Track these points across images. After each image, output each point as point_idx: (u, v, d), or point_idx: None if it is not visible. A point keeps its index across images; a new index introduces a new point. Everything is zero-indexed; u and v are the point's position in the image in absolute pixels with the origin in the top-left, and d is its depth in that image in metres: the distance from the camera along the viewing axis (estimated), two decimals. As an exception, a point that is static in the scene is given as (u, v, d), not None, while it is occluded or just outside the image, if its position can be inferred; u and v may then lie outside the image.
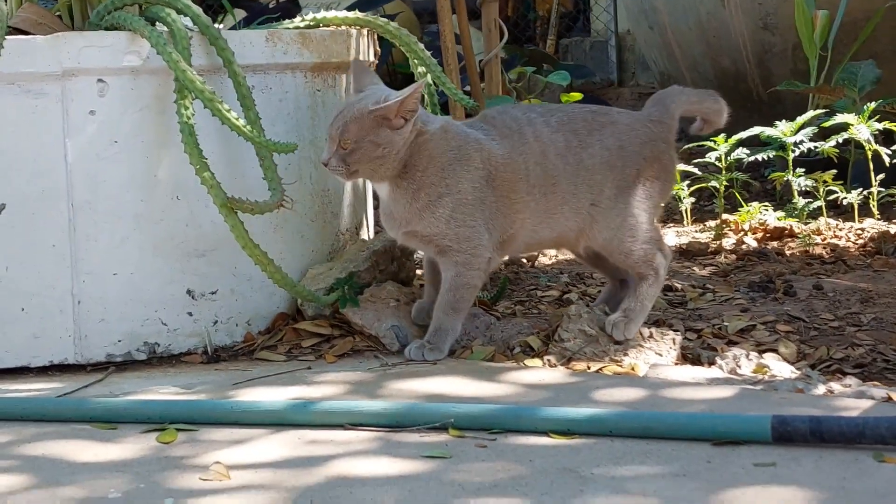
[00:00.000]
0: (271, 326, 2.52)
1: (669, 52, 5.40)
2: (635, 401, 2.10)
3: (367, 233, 2.77)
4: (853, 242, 3.62)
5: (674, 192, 3.83)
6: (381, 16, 5.10)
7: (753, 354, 2.39)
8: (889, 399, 2.12)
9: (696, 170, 3.95)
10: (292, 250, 2.54)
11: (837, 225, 3.79)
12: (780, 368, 2.33)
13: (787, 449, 1.82)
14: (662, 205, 2.59)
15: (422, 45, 2.62)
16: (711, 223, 3.91)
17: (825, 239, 3.64)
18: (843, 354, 2.54)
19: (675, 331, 2.67)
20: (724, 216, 3.88)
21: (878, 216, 3.86)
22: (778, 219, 3.76)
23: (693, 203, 4.05)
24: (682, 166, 3.93)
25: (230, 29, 2.76)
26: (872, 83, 4.29)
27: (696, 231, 3.94)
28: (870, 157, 3.84)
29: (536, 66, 4.98)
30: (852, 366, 2.47)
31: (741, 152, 3.96)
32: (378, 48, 2.79)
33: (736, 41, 5.04)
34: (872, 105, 3.88)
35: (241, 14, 5.53)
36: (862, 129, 3.81)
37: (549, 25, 6.65)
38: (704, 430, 1.87)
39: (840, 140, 3.87)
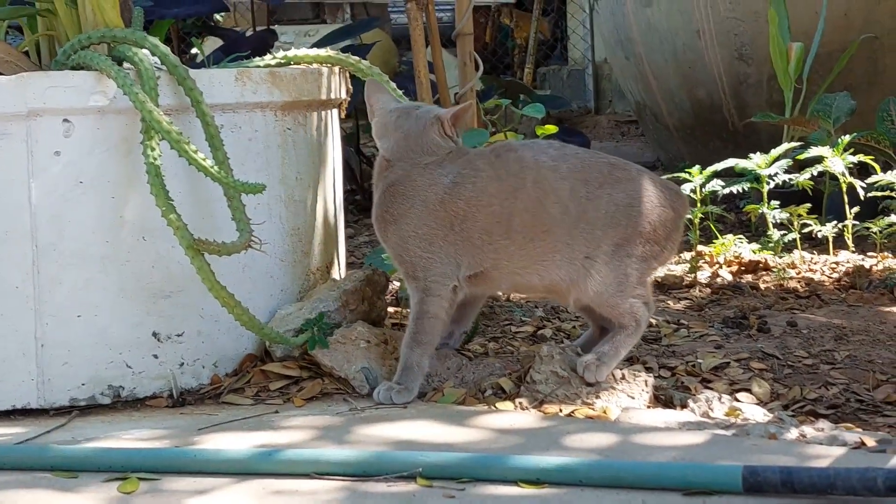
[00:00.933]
0: (239, 368, 2.49)
1: (645, 83, 5.42)
2: (606, 447, 2.07)
3: (339, 272, 2.75)
4: (828, 276, 3.61)
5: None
6: (359, 45, 5.11)
7: (726, 397, 2.37)
8: (862, 444, 2.10)
9: (671, 202, 3.94)
10: (261, 290, 2.51)
11: (812, 258, 3.79)
12: (752, 412, 2.31)
13: (758, 499, 1.80)
14: (658, 267, 2.53)
15: (393, 84, 2.60)
16: (687, 255, 3.90)
17: (800, 272, 3.63)
18: (817, 395, 2.53)
19: (648, 371, 2.65)
20: (700, 248, 3.87)
21: (854, 249, 3.86)
22: (753, 251, 3.75)
23: (668, 235, 4.04)
24: (657, 199, 3.93)
25: (198, 62, 2.75)
26: (847, 115, 4.30)
27: (672, 263, 3.93)
28: (844, 189, 3.84)
29: (513, 96, 4.97)
30: (826, 406, 2.46)
31: (716, 184, 3.96)
32: (350, 86, 2.77)
33: (711, 72, 5.06)
34: (847, 138, 3.88)
35: (217, 42, 5.51)
36: (836, 162, 3.81)
37: (526, 54, 6.65)
38: (675, 479, 1.85)
39: (815, 172, 3.87)
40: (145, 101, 2.23)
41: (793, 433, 2.15)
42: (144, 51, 2.33)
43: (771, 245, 3.75)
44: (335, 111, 2.72)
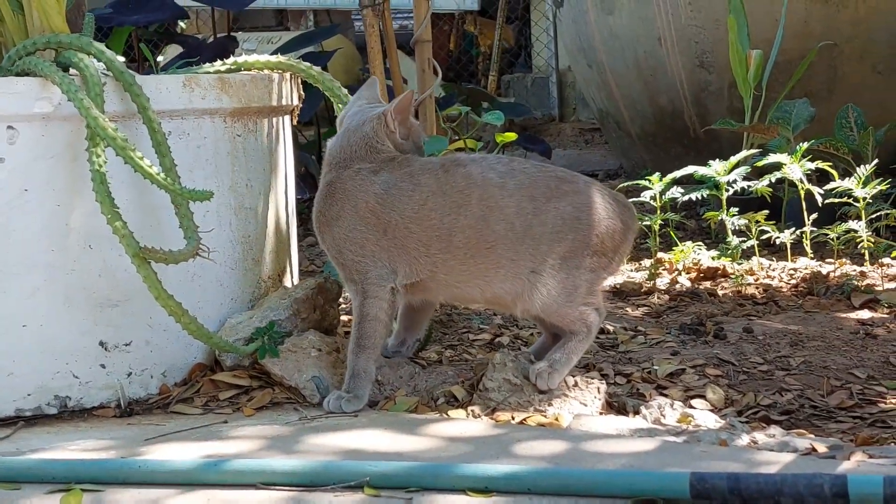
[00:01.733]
0: (188, 378, 2.46)
1: (608, 90, 5.42)
2: (557, 454, 2.06)
3: (291, 279, 2.72)
4: (786, 282, 3.62)
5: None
6: (320, 52, 5.09)
7: (678, 404, 2.37)
8: (813, 450, 2.10)
9: (630, 209, 3.94)
10: (211, 299, 2.48)
11: (771, 265, 3.79)
12: (704, 418, 2.31)
13: (706, 506, 1.79)
14: (607, 277, 2.52)
15: (345, 91, 2.58)
16: (647, 262, 3.90)
17: (758, 279, 3.64)
18: (771, 400, 2.52)
19: (603, 378, 2.65)
20: (660, 255, 3.87)
21: (812, 255, 3.87)
22: (712, 258, 3.76)
23: (628, 242, 4.04)
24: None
25: (163, 66, 2.72)
26: (807, 122, 4.32)
27: (631, 270, 3.93)
28: (803, 196, 3.85)
29: (475, 104, 4.97)
30: (779, 412, 2.46)
31: (676, 191, 3.96)
32: (302, 92, 2.75)
33: (673, 79, 5.06)
34: (805, 145, 3.89)
35: (178, 49, 5.48)
36: (794, 169, 3.82)
37: (490, 62, 6.65)
38: (623, 487, 1.84)
39: (773, 179, 3.88)
40: (90, 107, 2.20)
41: (744, 439, 2.15)
42: (90, 57, 2.30)
43: (730, 252, 3.75)
44: (287, 118, 2.70)
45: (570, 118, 6.95)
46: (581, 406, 2.35)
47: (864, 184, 3.70)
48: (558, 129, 6.81)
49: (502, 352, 2.44)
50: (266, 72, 2.59)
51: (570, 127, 6.79)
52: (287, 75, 2.64)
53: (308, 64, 2.60)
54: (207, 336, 2.34)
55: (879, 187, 3.71)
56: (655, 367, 2.71)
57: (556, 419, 2.29)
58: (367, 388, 2.34)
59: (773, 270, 3.73)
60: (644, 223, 3.97)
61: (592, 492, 1.85)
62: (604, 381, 2.47)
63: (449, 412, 2.33)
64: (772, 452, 2.07)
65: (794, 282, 3.59)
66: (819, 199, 3.80)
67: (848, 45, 4.74)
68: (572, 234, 2.34)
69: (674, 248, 3.85)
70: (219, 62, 2.58)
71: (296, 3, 7.23)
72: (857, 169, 3.77)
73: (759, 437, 2.17)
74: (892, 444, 2.20)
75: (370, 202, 2.32)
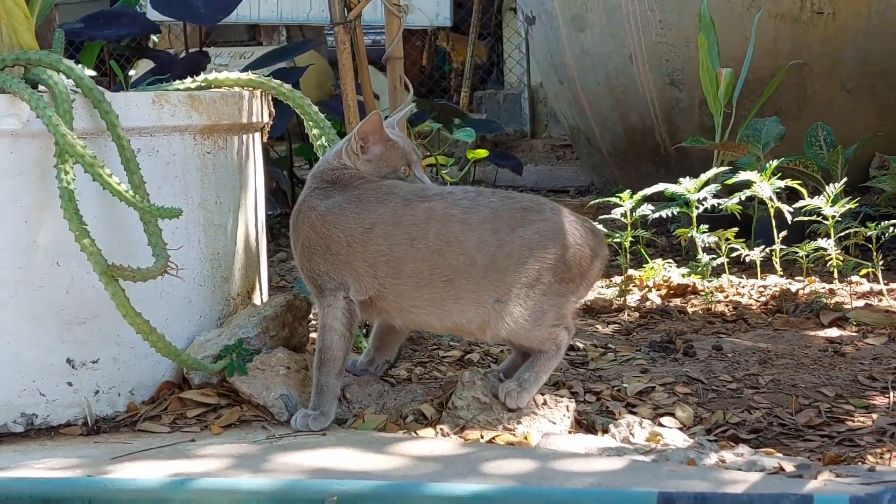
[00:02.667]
0: (156, 396, 2.45)
1: (579, 107, 5.44)
2: (525, 473, 2.06)
3: (261, 297, 2.72)
4: (755, 300, 3.63)
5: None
6: (292, 68, 5.09)
7: (647, 422, 2.37)
8: (780, 469, 2.10)
9: (601, 226, 3.95)
10: (179, 316, 2.47)
11: (740, 282, 3.81)
12: (672, 437, 2.31)
13: (673, 526, 1.79)
14: (576, 302, 2.49)
15: (315, 108, 2.58)
16: (617, 279, 3.91)
17: (728, 296, 3.65)
18: (740, 419, 2.53)
19: (573, 396, 2.65)
20: (630, 272, 3.88)
21: (781, 273, 3.88)
22: (682, 275, 3.77)
23: (599, 259, 4.05)
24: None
25: (134, 82, 2.71)
26: (776, 140, 4.34)
27: (602, 287, 3.93)
28: (772, 214, 3.87)
29: (447, 120, 4.98)
30: (748, 431, 2.46)
31: (646, 208, 3.97)
32: (273, 109, 2.74)
33: (644, 97, 5.08)
34: (775, 163, 3.92)
35: (150, 64, 5.46)
36: (764, 187, 3.84)
37: (463, 78, 6.66)
38: (590, 506, 1.84)
39: (743, 197, 3.90)
40: (59, 124, 2.19)
41: (712, 458, 2.15)
42: (59, 74, 2.29)
43: (700, 269, 3.76)
44: (257, 135, 2.70)
45: (542, 134, 6.97)
46: (550, 424, 2.35)
47: (834, 202, 3.73)
48: (530, 145, 6.83)
49: (471, 370, 2.44)
50: (236, 89, 2.58)
51: (541, 143, 6.81)
52: (257, 92, 2.64)
53: (278, 81, 2.59)
54: (175, 353, 2.33)
55: (848, 205, 3.73)
56: (625, 385, 2.72)
57: (525, 438, 2.28)
58: (333, 405, 2.34)
59: (743, 288, 3.75)
60: (615, 240, 3.98)
61: (560, 511, 1.85)
62: (573, 400, 2.47)
63: (417, 430, 2.33)
64: (739, 472, 2.07)
65: (763, 299, 3.61)
66: (789, 217, 3.82)
67: (817, 63, 4.77)
68: (538, 263, 2.34)
69: (644, 265, 3.86)
70: (189, 79, 2.57)
71: (268, 19, 7.23)
72: (827, 187, 3.80)
73: (728, 455, 2.17)
74: (860, 462, 2.22)
75: (314, 219, 2.36)
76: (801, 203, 3.80)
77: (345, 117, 3.15)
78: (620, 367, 2.95)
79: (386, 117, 3.37)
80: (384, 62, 3.43)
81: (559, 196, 5.95)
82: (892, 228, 3.68)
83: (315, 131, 2.59)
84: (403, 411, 2.40)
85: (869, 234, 3.72)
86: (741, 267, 4.03)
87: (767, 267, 3.94)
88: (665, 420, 2.51)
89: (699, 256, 3.81)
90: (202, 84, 2.56)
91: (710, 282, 3.73)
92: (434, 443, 2.25)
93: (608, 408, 2.59)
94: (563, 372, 2.95)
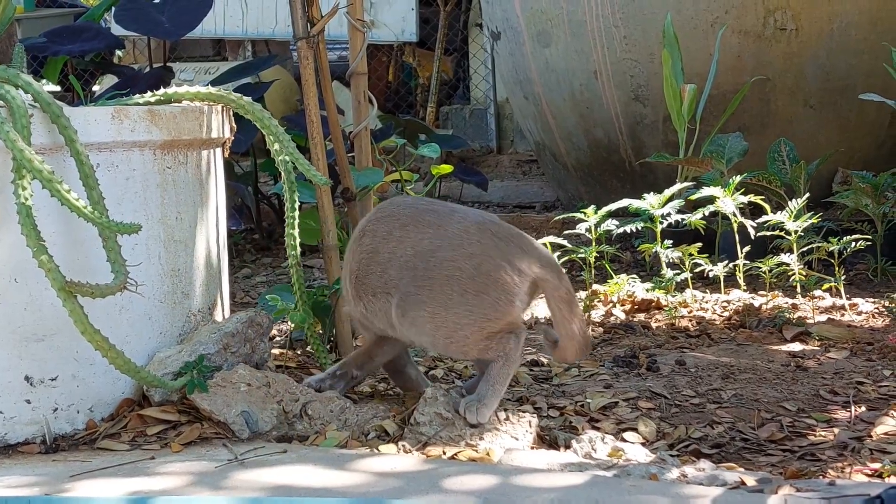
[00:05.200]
0: (116, 413, 2.42)
1: (544, 123, 5.44)
2: (486, 489, 2.05)
3: (223, 313, 2.70)
4: (719, 315, 3.64)
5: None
6: (256, 83, 5.07)
7: (609, 437, 2.37)
8: (742, 484, 2.10)
9: (565, 242, 3.96)
10: (139, 333, 2.45)
11: (704, 297, 3.82)
12: (634, 452, 2.31)
13: (634, 541, 1.79)
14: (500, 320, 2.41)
15: (276, 122, 2.57)
16: (582, 294, 3.91)
17: (691, 311, 3.66)
18: (702, 433, 2.54)
19: (535, 410, 2.65)
20: (595, 287, 3.89)
21: (745, 287, 3.90)
22: (646, 290, 3.77)
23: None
24: (552, 238, 3.94)
25: (77, 103, 2.69)
26: (740, 155, 4.36)
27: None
28: (735, 229, 3.89)
29: (412, 136, 4.97)
30: (710, 445, 2.47)
31: (610, 224, 3.98)
32: (234, 124, 2.73)
33: (609, 112, 5.10)
34: (738, 178, 3.94)
35: (115, 79, 5.43)
36: (727, 203, 3.86)
37: (429, 93, 6.66)
38: (551, 522, 1.84)
39: (707, 213, 3.91)
40: (16, 139, 2.17)
41: (674, 473, 2.15)
42: (17, 89, 2.27)
43: (664, 284, 3.77)
44: (219, 150, 2.68)
45: (509, 150, 6.97)
46: (512, 440, 2.34)
47: (796, 217, 3.75)
48: (496, 160, 6.83)
49: (434, 385, 2.43)
50: (197, 103, 2.57)
51: (508, 158, 6.81)
52: (218, 107, 2.62)
53: (238, 95, 2.58)
54: (135, 370, 2.31)
55: (811, 221, 3.75)
56: (588, 401, 2.72)
57: (488, 454, 2.28)
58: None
59: (707, 303, 3.76)
60: (579, 255, 3.98)
61: (521, 527, 1.84)
62: (535, 415, 2.46)
63: (379, 447, 2.31)
64: (701, 486, 2.07)
65: (726, 314, 3.62)
66: (752, 232, 3.84)
67: (780, 79, 4.80)
68: (458, 285, 2.33)
69: (609, 280, 3.86)
70: (149, 93, 2.55)
71: (234, 34, 7.21)
72: (790, 202, 3.82)
73: (689, 470, 2.17)
74: (821, 476, 2.22)
75: None
76: (763, 218, 3.82)
77: (308, 132, 3.14)
78: (584, 382, 2.95)
79: (349, 133, 3.37)
80: (348, 78, 3.42)
81: (525, 211, 5.96)
82: (853, 244, 3.70)
83: (276, 146, 2.57)
84: (365, 428, 2.39)
85: (831, 249, 3.74)
86: (705, 282, 4.04)
87: (731, 282, 3.95)
88: (628, 435, 2.51)
89: (663, 271, 3.83)
90: (162, 98, 2.54)
91: (673, 297, 3.74)
92: (396, 459, 2.24)
93: (571, 423, 2.59)
94: (526, 387, 2.95)
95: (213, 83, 4.86)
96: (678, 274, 3.81)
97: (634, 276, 3.89)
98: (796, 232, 3.74)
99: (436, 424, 2.34)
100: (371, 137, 3.99)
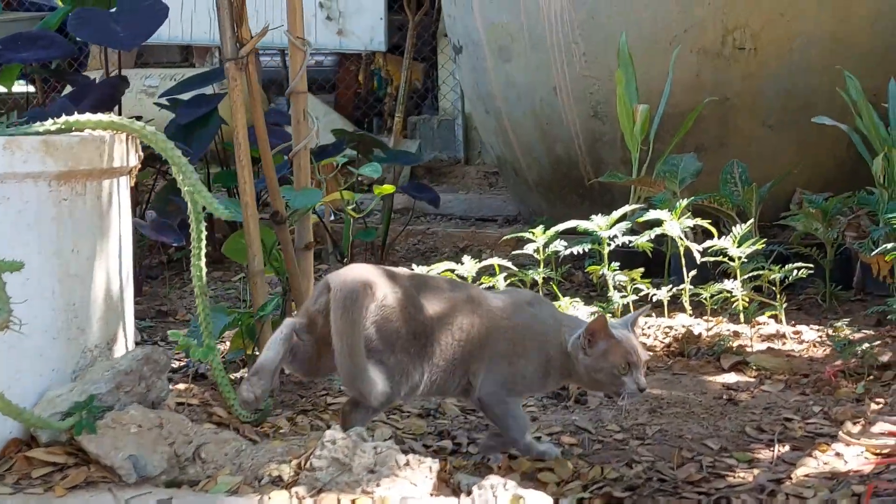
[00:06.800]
0: (2, 454, 2.34)
1: (505, 137, 5.37)
2: (370, 543, 1.98)
3: (126, 346, 2.62)
4: (661, 341, 3.58)
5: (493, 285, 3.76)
6: (212, 94, 4.98)
7: (511, 484, 2.28)
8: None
9: (509, 263, 3.88)
10: (30, 370, 2.37)
11: (647, 322, 3.75)
12: (535, 500, 2.23)
13: None
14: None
15: (178, 151, 2.49)
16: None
17: (634, 338, 3.59)
18: (618, 474, 2.47)
19: (454, 446, 2.58)
20: (539, 311, 3.81)
21: (691, 312, 3.83)
22: (590, 315, 3.70)
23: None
24: (498, 260, 3.87)
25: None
26: (693, 175, 4.29)
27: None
28: (682, 252, 3.81)
29: (367, 151, 4.89)
30: (624, 488, 2.40)
31: (559, 245, 3.91)
32: (141, 152, 2.65)
33: (568, 129, 5.02)
34: (685, 202, 3.86)
35: (69, 88, 5.36)
36: (674, 226, 3.79)
37: (397, 103, 6.59)
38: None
39: (653, 235, 3.84)
40: None
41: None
42: None
43: (609, 307, 3.70)
44: (123, 179, 2.60)
45: (476, 161, 6.90)
46: (411, 487, 2.26)
47: (740, 243, 3.67)
48: (463, 171, 6.76)
49: (334, 427, 2.35)
50: (98, 132, 2.49)
51: (475, 169, 6.74)
52: (122, 135, 2.55)
53: (141, 125, 2.50)
54: (17, 412, 2.23)
55: (755, 246, 3.68)
56: (509, 436, 2.65)
57: (383, 502, 2.20)
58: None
59: (650, 328, 3.69)
60: (529, 275, 3.91)
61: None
62: (437, 460, 2.38)
63: (271, 493, 2.23)
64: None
65: (668, 340, 3.55)
66: (697, 257, 3.76)
67: (739, 98, 4.72)
68: None
69: (555, 301, 3.79)
70: (50, 121, 2.47)
71: (201, 40, 7.13)
72: (734, 227, 3.75)
73: (585, 522, 2.10)
74: (730, 524, 2.16)
75: None
76: (708, 243, 3.75)
77: (235, 155, 3.08)
78: (509, 415, 2.88)
79: (287, 154, 3.29)
80: (287, 97, 3.36)
81: (485, 225, 5.88)
82: (795, 272, 3.63)
83: (180, 177, 2.49)
84: (259, 472, 2.31)
85: (772, 276, 3.67)
86: (655, 304, 3.97)
87: (677, 306, 3.88)
88: (543, 475, 2.45)
89: (610, 294, 3.75)
90: (63, 126, 2.46)
91: (617, 322, 3.67)
92: (285, 507, 2.16)
93: (487, 461, 2.53)
94: (451, 420, 2.88)
95: (169, 93, 4.80)
96: (624, 297, 3.73)
97: (578, 299, 3.82)
98: (739, 258, 3.67)
99: (332, 469, 2.26)
100: (311, 156, 3.92)
